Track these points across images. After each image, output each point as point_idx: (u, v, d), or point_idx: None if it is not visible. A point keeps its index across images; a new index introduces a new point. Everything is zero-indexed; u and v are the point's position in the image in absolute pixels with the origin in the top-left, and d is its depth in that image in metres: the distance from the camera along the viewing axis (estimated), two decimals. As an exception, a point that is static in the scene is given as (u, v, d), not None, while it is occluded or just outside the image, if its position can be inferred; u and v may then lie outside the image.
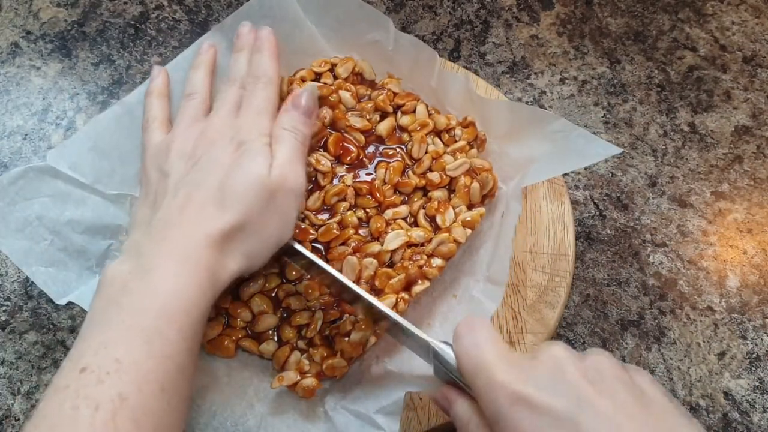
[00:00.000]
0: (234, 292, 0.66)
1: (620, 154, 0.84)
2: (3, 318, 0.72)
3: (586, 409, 0.43)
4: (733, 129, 0.85)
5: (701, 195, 0.81)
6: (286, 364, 0.64)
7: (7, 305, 0.73)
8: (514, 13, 0.94)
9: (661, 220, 0.80)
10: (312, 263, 0.62)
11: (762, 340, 0.73)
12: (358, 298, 0.61)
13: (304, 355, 0.64)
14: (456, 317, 0.68)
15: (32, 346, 0.71)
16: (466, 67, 0.85)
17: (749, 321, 0.74)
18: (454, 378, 0.53)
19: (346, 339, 0.64)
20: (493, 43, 0.91)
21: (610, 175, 0.82)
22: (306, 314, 0.65)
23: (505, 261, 0.64)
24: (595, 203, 0.80)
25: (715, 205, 0.81)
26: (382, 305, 0.60)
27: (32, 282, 0.71)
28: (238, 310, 0.65)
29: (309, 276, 0.67)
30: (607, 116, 0.86)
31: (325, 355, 0.63)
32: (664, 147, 0.84)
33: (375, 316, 0.63)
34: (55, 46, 0.90)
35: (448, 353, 0.53)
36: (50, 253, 0.65)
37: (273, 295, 0.67)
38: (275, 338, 0.66)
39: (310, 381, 0.62)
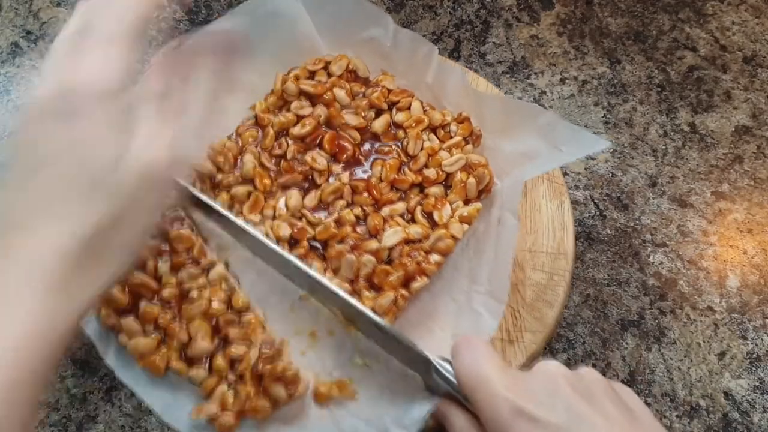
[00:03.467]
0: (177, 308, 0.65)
1: (620, 154, 0.83)
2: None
3: (581, 424, 0.45)
4: (733, 129, 0.85)
5: (701, 195, 0.81)
6: (212, 394, 0.62)
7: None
8: (514, 13, 0.94)
9: (661, 220, 0.79)
10: (228, 221, 0.60)
11: (762, 340, 0.73)
12: (316, 286, 0.60)
13: (231, 388, 0.62)
14: (460, 329, 0.67)
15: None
16: (466, 67, 0.85)
17: (749, 321, 0.74)
18: (451, 392, 0.54)
19: (276, 383, 0.61)
20: (493, 43, 0.91)
21: (610, 175, 0.82)
22: (242, 347, 0.63)
23: (505, 280, 0.64)
24: (595, 203, 0.80)
25: (715, 205, 0.80)
26: (363, 306, 0.60)
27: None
28: (176, 330, 0.63)
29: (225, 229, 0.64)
30: (607, 116, 0.86)
31: (252, 393, 0.61)
32: (664, 147, 0.84)
33: (351, 316, 0.62)
34: (55, 46, 0.90)
35: (447, 368, 0.54)
36: None
37: (214, 322, 0.65)
38: (206, 365, 0.63)
39: (227, 419, 0.60)
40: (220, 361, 0.63)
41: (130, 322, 0.63)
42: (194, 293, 0.65)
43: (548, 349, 0.71)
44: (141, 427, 0.67)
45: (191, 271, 0.66)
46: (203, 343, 0.63)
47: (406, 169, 0.71)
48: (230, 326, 0.64)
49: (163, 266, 0.66)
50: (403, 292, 0.64)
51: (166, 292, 0.65)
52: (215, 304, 0.65)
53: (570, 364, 0.70)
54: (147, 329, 0.63)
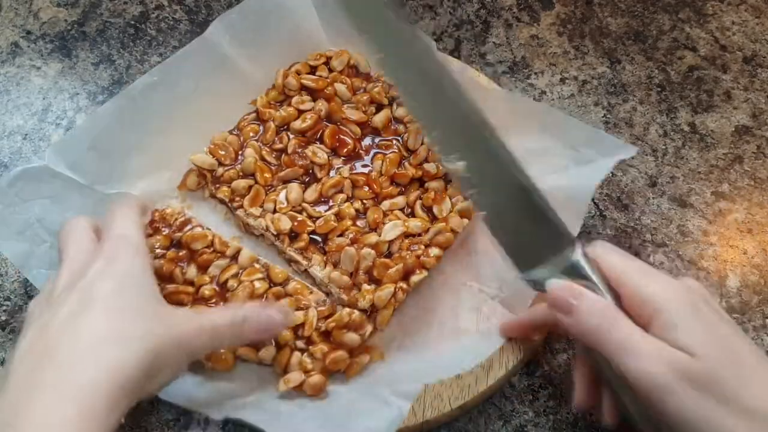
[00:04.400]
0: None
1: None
2: (3, 318, 0.72)
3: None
4: (733, 129, 0.85)
5: (701, 195, 0.81)
6: (289, 366, 0.63)
7: (7, 305, 0.72)
8: (514, 13, 0.94)
9: (661, 220, 0.79)
10: None
11: (762, 340, 0.73)
12: None
13: (305, 354, 0.63)
14: (460, 322, 0.68)
15: (29, 342, 0.71)
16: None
17: (749, 321, 0.74)
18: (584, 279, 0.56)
19: (344, 331, 0.63)
20: (494, 43, 0.91)
21: (610, 175, 0.82)
22: (300, 314, 0.64)
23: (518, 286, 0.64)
24: (595, 203, 0.80)
25: (715, 205, 0.80)
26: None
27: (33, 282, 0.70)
28: None
29: None
30: (608, 116, 0.86)
31: (327, 350, 0.63)
32: (664, 147, 0.84)
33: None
34: (55, 46, 0.90)
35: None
36: (51, 256, 0.65)
37: (263, 300, 0.66)
38: (272, 343, 0.64)
39: (317, 378, 0.61)
40: (284, 333, 0.63)
41: None
42: (232, 283, 0.66)
43: (548, 349, 0.71)
44: (141, 427, 0.66)
45: (220, 263, 0.67)
46: None
47: (407, 163, 0.72)
48: (280, 299, 0.65)
49: (189, 270, 0.67)
50: (403, 285, 0.65)
51: (207, 290, 0.65)
52: (257, 284, 0.66)
53: (570, 363, 0.70)
54: None
